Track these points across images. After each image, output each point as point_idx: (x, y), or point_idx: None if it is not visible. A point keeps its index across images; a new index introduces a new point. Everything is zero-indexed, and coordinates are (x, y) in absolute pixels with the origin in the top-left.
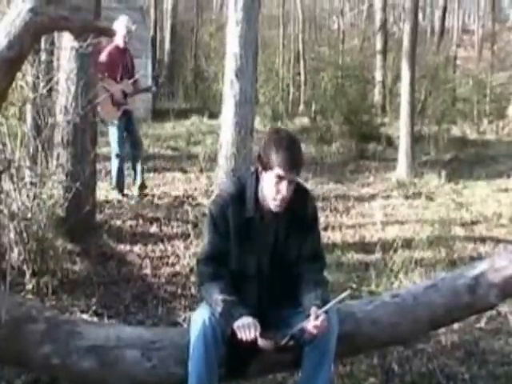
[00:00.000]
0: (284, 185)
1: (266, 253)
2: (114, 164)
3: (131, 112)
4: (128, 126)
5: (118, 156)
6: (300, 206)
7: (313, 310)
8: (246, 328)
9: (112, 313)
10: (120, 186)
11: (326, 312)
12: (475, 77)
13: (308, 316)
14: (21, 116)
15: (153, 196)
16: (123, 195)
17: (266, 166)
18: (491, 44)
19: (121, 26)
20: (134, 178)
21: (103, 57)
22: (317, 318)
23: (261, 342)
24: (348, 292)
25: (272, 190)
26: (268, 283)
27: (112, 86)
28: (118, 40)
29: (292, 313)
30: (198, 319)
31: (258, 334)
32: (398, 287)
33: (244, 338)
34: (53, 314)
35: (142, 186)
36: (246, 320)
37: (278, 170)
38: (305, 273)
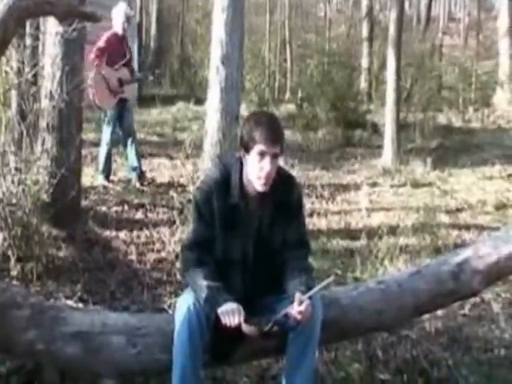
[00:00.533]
0: (267, 160)
1: (251, 238)
2: (103, 150)
3: (127, 100)
4: (122, 112)
5: (107, 143)
6: (285, 191)
7: (297, 295)
8: (230, 314)
9: (97, 299)
10: (107, 172)
11: (310, 298)
12: (461, 65)
13: (292, 302)
14: (5, 101)
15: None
16: (109, 181)
17: (248, 146)
18: (477, 32)
19: (119, 12)
20: (134, 167)
21: (101, 43)
22: (301, 303)
23: (245, 327)
24: (332, 278)
25: (256, 169)
26: (253, 269)
27: (109, 74)
28: (117, 27)
29: (276, 299)
30: (183, 305)
31: (242, 319)
32: (383, 274)
33: (228, 324)
34: (38, 299)
35: (143, 175)
36: (231, 306)
37: (260, 146)
38: (290, 259)
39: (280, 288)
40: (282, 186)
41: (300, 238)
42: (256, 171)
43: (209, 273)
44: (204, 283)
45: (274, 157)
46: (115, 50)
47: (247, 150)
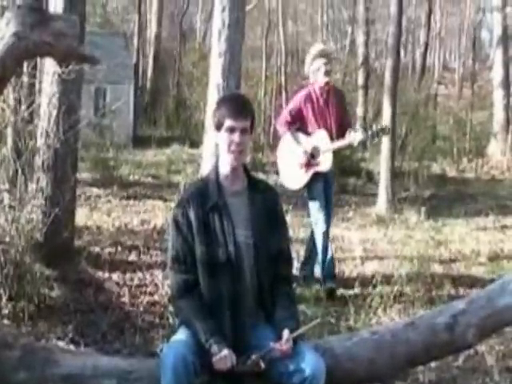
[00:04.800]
0: (237, 134)
1: (233, 238)
2: (318, 246)
3: (326, 172)
4: (326, 192)
5: (324, 234)
6: (262, 189)
7: (285, 332)
8: (222, 360)
9: (89, 341)
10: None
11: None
12: (455, 115)
13: (278, 337)
14: (1, 138)
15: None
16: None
17: (219, 125)
18: (471, 83)
19: (315, 56)
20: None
21: (291, 105)
22: (287, 341)
23: (236, 369)
24: (317, 321)
25: (227, 144)
26: (238, 272)
27: (300, 142)
28: (314, 78)
29: (262, 334)
30: (169, 351)
31: (234, 363)
32: (377, 323)
33: (221, 369)
34: (29, 340)
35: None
36: (223, 353)
37: (228, 121)
38: (276, 283)
39: (266, 310)
40: (258, 185)
41: (284, 249)
42: (227, 146)
43: (198, 306)
44: (197, 325)
45: (243, 132)
46: (312, 110)
47: (219, 128)
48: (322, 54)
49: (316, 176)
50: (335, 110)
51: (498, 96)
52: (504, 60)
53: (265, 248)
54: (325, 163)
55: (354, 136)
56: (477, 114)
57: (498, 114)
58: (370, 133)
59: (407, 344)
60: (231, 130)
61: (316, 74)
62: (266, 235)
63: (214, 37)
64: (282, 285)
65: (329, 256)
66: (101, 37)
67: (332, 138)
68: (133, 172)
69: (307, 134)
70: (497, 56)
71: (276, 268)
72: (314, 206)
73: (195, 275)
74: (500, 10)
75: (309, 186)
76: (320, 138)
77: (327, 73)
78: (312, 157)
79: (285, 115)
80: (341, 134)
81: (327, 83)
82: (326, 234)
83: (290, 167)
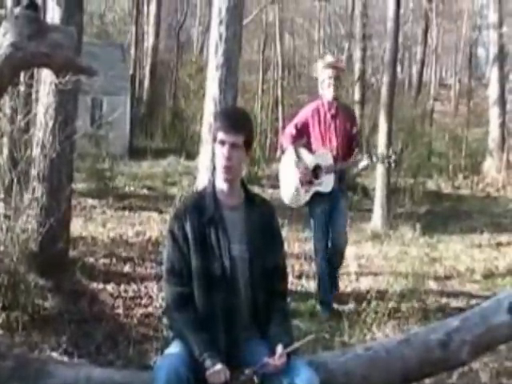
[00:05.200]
0: (226, 148)
1: (228, 253)
2: (316, 269)
3: (331, 192)
4: (332, 214)
5: (323, 259)
6: (258, 204)
7: (279, 347)
8: (216, 375)
9: (82, 352)
10: (327, 300)
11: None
12: (451, 131)
13: (271, 350)
14: None
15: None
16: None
17: (213, 137)
18: (468, 100)
19: (321, 69)
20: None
21: (297, 119)
22: (280, 356)
23: (230, 383)
24: (312, 336)
25: (218, 158)
26: (233, 286)
27: (303, 157)
28: (321, 90)
29: (256, 349)
30: (162, 364)
31: (227, 377)
32: (371, 339)
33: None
34: (22, 351)
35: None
36: (217, 367)
37: (220, 134)
38: (271, 297)
39: (260, 325)
40: (255, 199)
41: (279, 264)
42: (218, 159)
43: (193, 319)
44: (191, 338)
45: (234, 146)
46: (319, 125)
47: (214, 140)
48: (328, 66)
49: (317, 196)
50: (342, 128)
51: (494, 113)
52: (500, 78)
53: (260, 263)
54: (326, 184)
55: (359, 161)
56: (473, 131)
57: (494, 132)
58: (374, 159)
59: (401, 360)
60: (222, 144)
61: (322, 86)
62: (262, 250)
63: (211, 50)
64: (276, 300)
65: (326, 282)
66: (98, 48)
67: (336, 158)
68: (128, 183)
69: (311, 150)
70: (493, 74)
71: (271, 283)
72: (313, 226)
73: (190, 288)
74: (496, 29)
75: (309, 204)
76: (323, 157)
77: (330, 85)
78: (314, 176)
79: (290, 128)
80: (347, 154)
81: (335, 98)
82: (325, 260)
83: (290, 184)
